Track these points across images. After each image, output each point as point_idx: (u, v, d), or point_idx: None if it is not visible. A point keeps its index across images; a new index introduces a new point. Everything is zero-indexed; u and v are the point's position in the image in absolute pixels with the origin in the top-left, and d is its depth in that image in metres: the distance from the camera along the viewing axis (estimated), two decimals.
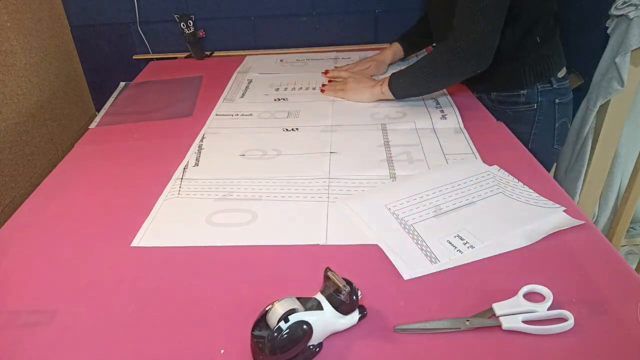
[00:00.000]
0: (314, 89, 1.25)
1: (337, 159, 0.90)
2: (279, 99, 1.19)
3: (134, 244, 0.71)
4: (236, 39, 1.62)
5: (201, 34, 1.57)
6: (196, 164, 0.91)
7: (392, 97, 1.09)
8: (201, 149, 0.97)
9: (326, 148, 0.95)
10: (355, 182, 0.83)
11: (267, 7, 1.57)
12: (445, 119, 1.04)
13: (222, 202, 0.79)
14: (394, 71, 1.09)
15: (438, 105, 1.10)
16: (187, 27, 1.53)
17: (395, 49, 1.33)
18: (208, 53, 1.60)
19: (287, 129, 1.03)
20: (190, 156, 0.94)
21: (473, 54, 0.94)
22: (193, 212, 0.77)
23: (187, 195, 0.82)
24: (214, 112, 1.14)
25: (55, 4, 1.51)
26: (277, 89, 1.26)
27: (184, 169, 0.90)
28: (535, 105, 1.09)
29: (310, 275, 0.63)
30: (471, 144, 0.94)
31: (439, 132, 0.98)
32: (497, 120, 1.03)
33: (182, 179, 0.87)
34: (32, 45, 1.36)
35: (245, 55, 1.59)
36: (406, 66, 1.07)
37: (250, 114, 1.11)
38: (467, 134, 0.98)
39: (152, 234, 0.73)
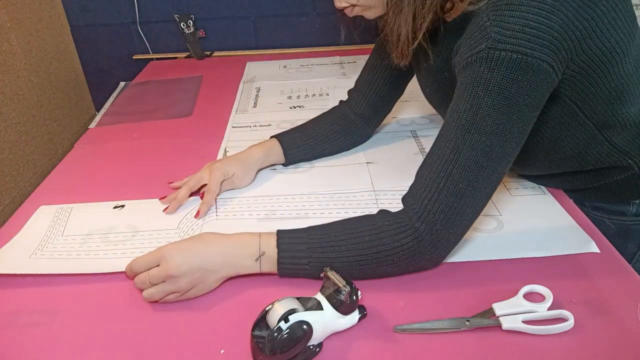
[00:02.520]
0: (327, 94, 1.23)
1: (376, 170, 0.87)
2: (295, 107, 1.16)
3: None
4: (236, 39, 1.62)
5: (201, 34, 1.57)
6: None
7: (272, 270, 0.63)
8: None
9: (361, 158, 0.91)
10: (403, 193, 0.70)
11: (267, 7, 1.57)
12: None
13: (266, 222, 0.75)
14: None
15: None
16: (187, 27, 1.53)
17: (271, 147, 0.88)
18: (208, 53, 1.60)
19: None
20: None
21: (441, 242, 0.59)
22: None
23: (226, 216, 0.77)
24: (229, 125, 1.09)
25: (55, 4, 1.51)
26: (290, 97, 1.23)
27: None
28: None
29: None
30: None
31: None
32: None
33: (216, 198, 0.80)
34: (32, 45, 1.36)
35: (245, 55, 1.59)
36: (307, 230, 0.64)
37: (269, 124, 1.08)
38: None
39: None
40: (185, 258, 0.59)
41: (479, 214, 0.60)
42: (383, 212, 0.63)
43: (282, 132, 0.90)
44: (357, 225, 0.62)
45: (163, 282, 0.59)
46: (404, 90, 0.93)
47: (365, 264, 0.60)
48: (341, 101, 0.95)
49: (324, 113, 0.95)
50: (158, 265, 0.60)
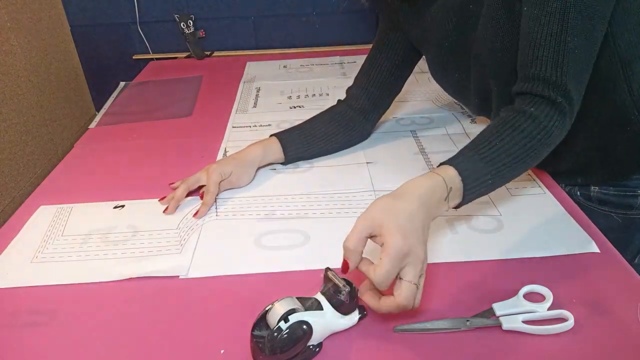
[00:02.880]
0: (327, 94, 1.23)
1: (376, 170, 0.87)
2: (295, 107, 1.16)
3: (186, 275, 0.65)
4: (236, 39, 1.62)
5: (201, 34, 1.57)
6: None
7: (457, 203, 0.60)
8: None
9: (361, 158, 0.91)
10: None
11: (267, 7, 1.57)
12: (476, 122, 1.01)
13: (266, 222, 0.75)
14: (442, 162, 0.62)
15: (464, 110, 1.07)
16: (187, 27, 1.53)
17: (270, 146, 0.87)
18: (208, 53, 1.60)
19: None
20: None
21: (567, 104, 0.62)
22: (239, 234, 0.73)
23: (225, 216, 0.77)
24: (229, 125, 1.08)
25: (55, 4, 1.51)
26: (290, 97, 1.23)
27: None
28: None
29: None
30: None
31: (472, 137, 0.94)
32: (597, 226, 0.71)
33: (215, 198, 0.80)
34: (32, 45, 1.36)
35: (245, 55, 1.59)
36: (463, 157, 0.61)
37: (269, 124, 1.08)
38: None
39: (203, 261, 0.68)
40: (400, 229, 0.51)
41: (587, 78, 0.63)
42: (511, 108, 0.64)
43: (281, 131, 0.90)
44: (510, 122, 0.62)
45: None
46: (402, 85, 0.93)
47: (535, 150, 0.61)
48: (339, 100, 0.95)
49: (322, 112, 0.94)
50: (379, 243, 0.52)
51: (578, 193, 0.78)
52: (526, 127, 0.61)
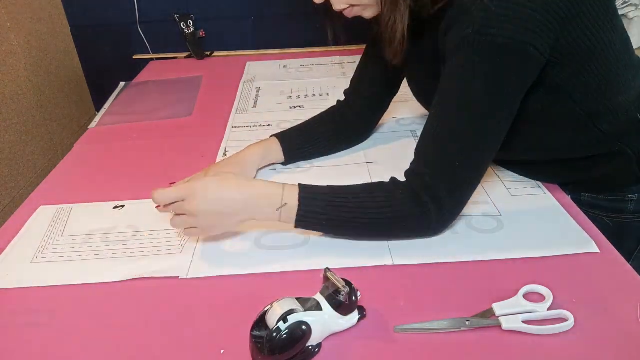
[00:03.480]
0: (327, 94, 1.23)
1: (376, 170, 0.86)
2: (295, 107, 1.16)
3: (185, 275, 0.65)
4: (236, 39, 1.62)
5: (201, 34, 1.57)
6: None
7: (291, 226, 0.66)
8: None
9: (361, 158, 0.91)
10: None
11: (267, 7, 1.57)
12: None
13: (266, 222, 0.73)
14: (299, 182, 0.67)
15: None
16: (187, 27, 1.53)
17: (270, 146, 0.87)
18: (208, 53, 1.60)
19: None
20: None
21: (434, 206, 0.63)
22: (239, 234, 0.72)
23: None
24: (229, 125, 1.08)
25: (55, 4, 1.51)
26: (290, 97, 1.23)
27: None
28: None
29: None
30: None
31: None
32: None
33: None
34: (32, 45, 1.36)
35: (245, 55, 1.59)
36: (328, 189, 0.67)
37: (269, 124, 1.08)
38: None
39: (203, 261, 0.68)
40: (206, 201, 0.62)
41: (476, 187, 0.65)
42: (394, 180, 0.67)
43: (281, 132, 0.90)
44: (373, 189, 0.66)
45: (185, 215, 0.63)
46: (398, 88, 0.93)
47: (379, 226, 0.66)
48: (339, 101, 0.95)
49: (322, 113, 0.94)
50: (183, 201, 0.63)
51: (569, 197, 0.78)
52: (383, 203, 0.64)
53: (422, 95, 0.83)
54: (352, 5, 0.69)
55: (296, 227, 0.66)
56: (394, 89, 0.93)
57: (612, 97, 0.66)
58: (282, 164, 0.89)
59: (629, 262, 0.64)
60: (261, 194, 0.64)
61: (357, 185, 0.67)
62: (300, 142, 0.89)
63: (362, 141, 0.96)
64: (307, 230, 0.70)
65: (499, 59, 0.57)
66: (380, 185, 0.67)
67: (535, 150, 0.74)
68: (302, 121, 0.93)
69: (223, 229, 0.67)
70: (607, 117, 0.67)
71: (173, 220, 0.66)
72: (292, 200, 0.64)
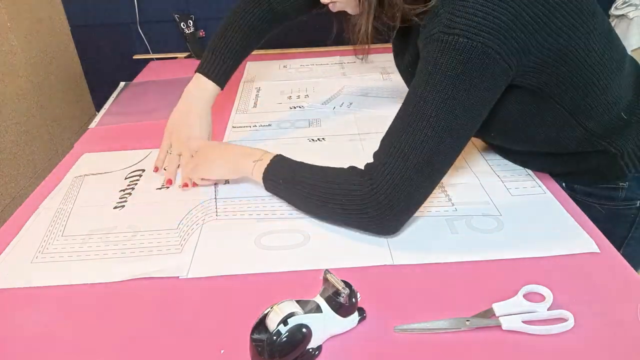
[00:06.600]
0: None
1: None
2: (295, 107, 1.15)
3: (185, 275, 0.65)
4: None
5: (201, 34, 1.57)
6: (226, 182, 0.85)
7: (259, 180, 0.76)
8: None
9: (361, 158, 0.91)
10: None
11: None
12: None
13: (266, 222, 0.75)
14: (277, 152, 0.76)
15: None
16: (187, 27, 1.53)
17: (202, 87, 0.92)
18: None
19: (312, 139, 0.99)
20: None
21: (388, 207, 0.64)
22: (239, 234, 0.73)
23: (226, 216, 0.76)
24: (229, 125, 1.08)
25: (55, 4, 1.51)
26: (290, 97, 1.22)
27: (215, 187, 0.84)
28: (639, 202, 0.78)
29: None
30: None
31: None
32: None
33: (215, 198, 0.81)
34: (32, 45, 1.36)
35: None
36: (299, 161, 0.74)
37: (269, 125, 1.07)
38: None
39: (203, 261, 0.68)
40: (207, 144, 0.87)
41: (431, 187, 0.66)
42: (353, 166, 0.70)
43: (201, 64, 0.92)
44: (333, 169, 0.71)
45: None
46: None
47: (321, 199, 0.69)
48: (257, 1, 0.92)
49: (236, 16, 0.92)
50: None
51: (563, 184, 0.81)
52: (334, 178, 0.69)
53: (404, 78, 0.86)
54: (334, 1, 0.73)
55: (263, 184, 0.75)
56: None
57: (596, 97, 0.68)
58: (222, 88, 0.92)
59: (620, 248, 0.65)
60: (247, 150, 0.79)
61: (328, 167, 0.72)
62: (220, 63, 0.91)
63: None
64: (306, 229, 0.70)
65: (461, 57, 0.58)
66: (341, 168, 0.70)
67: (519, 142, 0.77)
68: (302, 121, 0.95)
69: (216, 169, 0.81)
70: (591, 116, 0.69)
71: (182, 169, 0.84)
72: (266, 159, 0.74)
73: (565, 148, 0.74)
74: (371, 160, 0.67)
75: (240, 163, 0.78)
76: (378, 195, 0.64)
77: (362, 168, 0.68)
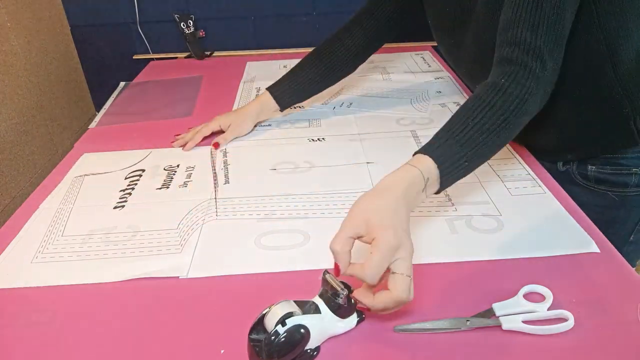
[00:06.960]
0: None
1: (376, 170, 0.86)
2: (295, 107, 1.15)
3: (185, 275, 0.65)
4: (236, 39, 1.62)
5: (201, 34, 1.57)
6: (226, 182, 0.86)
7: (435, 190, 0.61)
8: (227, 165, 0.91)
9: (361, 158, 0.91)
10: None
11: (267, 7, 1.57)
12: None
13: (266, 222, 0.75)
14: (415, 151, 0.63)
15: None
16: (187, 27, 1.53)
17: (263, 99, 1.00)
18: (208, 53, 1.60)
19: (312, 139, 0.99)
20: (219, 173, 0.89)
21: (541, 69, 0.62)
22: (239, 234, 0.73)
23: (226, 216, 0.77)
24: None
25: (55, 4, 1.51)
26: None
27: (215, 187, 0.85)
28: None
29: None
30: (509, 147, 0.91)
31: None
32: (594, 205, 0.78)
33: (215, 198, 0.81)
34: (32, 45, 1.36)
35: (245, 55, 1.59)
36: (433, 139, 0.63)
37: (269, 125, 1.08)
38: None
39: (203, 261, 0.68)
40: (385, 225, 0.52)
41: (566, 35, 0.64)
42: (485, 83, 0.64)
43: (273, 83, 1.01)
44: (482, 98, 0.62)
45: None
46: (399, 32, 0.96)
47: (510, 123, 0.61)
48: (329, 38, 0.99)
49: (312, 52, 1.00)
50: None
51: (576, 172, 0.79)
52: (497, 100, 0.61)
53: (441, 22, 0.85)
54: None
55: (443, 189, 0.61)
56: (392, 35, 0.97)
57: (629, 33, 0.67)
58: (281, 110, 1.01)
59: (630, 236, 0.64)
60: (405, 186, 0.56)
61: (463, 106, 0.63)
62: (291, 90, 1.00)
63: (349, 74, 1.03)
64: (306, 229, 0.70)
65: None
66: (483, 90, 0.63)
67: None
68: (302, 121, 0.94)
69: (411, 241, 0.54)
70: (623, 54, 0.69)
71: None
72: (432, 172, 0.58)
73: (585, 84, 0.72)
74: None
75: (413, 204, 0.57)
76: (543, 79, 0.62)
77: (502, 69, 0.63)
